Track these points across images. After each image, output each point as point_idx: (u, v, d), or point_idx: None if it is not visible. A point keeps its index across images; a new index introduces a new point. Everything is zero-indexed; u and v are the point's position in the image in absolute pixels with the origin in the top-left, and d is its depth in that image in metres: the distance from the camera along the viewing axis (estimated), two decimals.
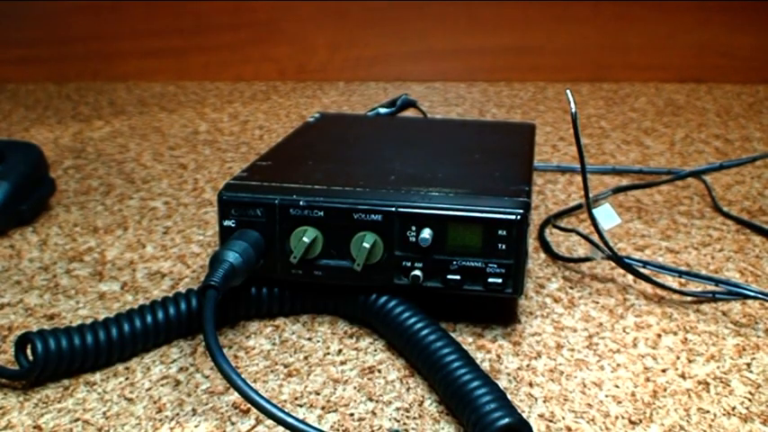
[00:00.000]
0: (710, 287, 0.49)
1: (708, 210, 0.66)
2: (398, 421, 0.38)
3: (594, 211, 0.48)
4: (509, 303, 0.49)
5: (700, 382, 0.41)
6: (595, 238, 0.50)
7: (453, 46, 1.19)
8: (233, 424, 0.38)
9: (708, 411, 0.39)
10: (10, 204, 0.60)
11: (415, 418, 0.38)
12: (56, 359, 0.40)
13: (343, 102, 1.06)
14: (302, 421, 0.33)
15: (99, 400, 0.39)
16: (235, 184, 0.46)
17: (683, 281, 0.51)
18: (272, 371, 0.42)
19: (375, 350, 0.44)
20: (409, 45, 1.19)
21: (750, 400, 0.40)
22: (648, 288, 0.51)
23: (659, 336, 0.46)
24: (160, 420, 0.38)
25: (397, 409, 0.39)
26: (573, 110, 0.45)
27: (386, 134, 0.59)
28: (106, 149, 0.84)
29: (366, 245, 0.43)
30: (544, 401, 0.39)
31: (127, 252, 0.57)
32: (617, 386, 0.41)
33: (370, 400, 0.40)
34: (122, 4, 1.17)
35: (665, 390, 0.40)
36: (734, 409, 0.39)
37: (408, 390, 0.40)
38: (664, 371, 0.42)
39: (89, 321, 0.45)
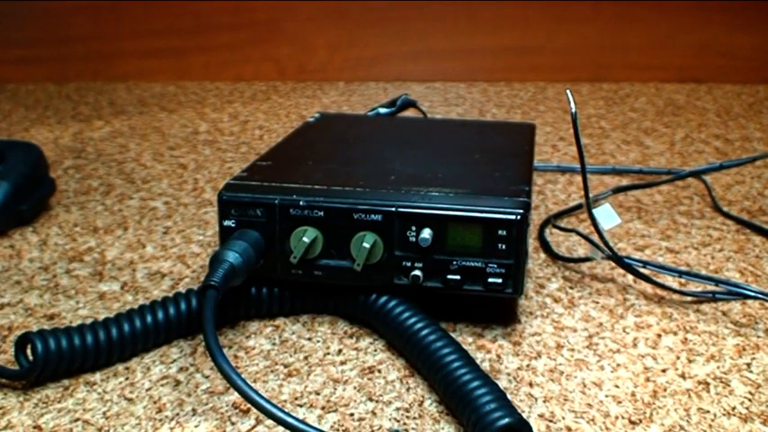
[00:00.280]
0: (710, 287, 0.49)
1: (708, 210, 0.66)
2: (398, 421, 0.38)
3: (594, 211, 0.48)
4: (509, 303, 0.49)
5: (700, 382, 0.41)
6: (595, 238, 0.50)
7: (453, 46, 1.19)
8: (233, 424, 0.38)
9: (708, 411, 0.39)
10: (10, 204, 0.60)
11: (415, 418, 0.38)
12: (56, 359, 0.40)
13: (343, 102, 1.06)
14: (302, 421, 0.33)
15: (99, 400, 0.39)
16: (235, 184, 0.46)
17: (683, 281, 0.51)
18: (272, 371, 0.42)
19: (375, 350, 0.44)
20: (409, 45, 1.20)
21: (750, 400, 0.40)
22: (648, 288, 0.51)
23: (659, 336, 0.46)
24: (160, 420, 0.38)
25: (397, 409, 0.39)
26: (573, 110, 0.45)
27: (386, 134, 0.59)
28: (106, 149, 0.84)
29: (366, 245, 0.43)
30: (544, 401, 0.39)
31: (127, 252, 0.57)
32: (617, 386, 0.41)
33: (370, 400, 0.40)
34: (122, 4, 1.17)
35: (665, 390, 0.40)
36: (734, 409, 0.39)
37: (408, 390, 0.40)
38: (664, 371, 0.42)
39: (89, 321, 0.45)
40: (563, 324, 0.47)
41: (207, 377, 0.41)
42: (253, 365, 0.43)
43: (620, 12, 1.17)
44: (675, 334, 0.46)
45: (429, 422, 0.38)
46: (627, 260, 0.49)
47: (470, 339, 0.45)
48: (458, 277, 0.43)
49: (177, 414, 0.38)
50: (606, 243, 0.48)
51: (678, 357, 0.43)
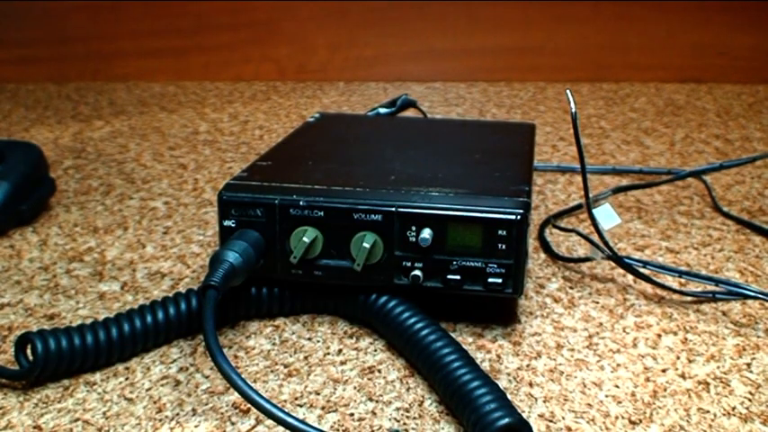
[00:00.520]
0: (710, 287, 0.49)
1: (708, 210, 0.66)
2: (398, 421, 0.38)
3: (594, 211, 0.48)
4: (509, 303, 0.49)
5: (700, 382, 0.41)
6: (595, 238, 0.50)
7: (453, 46, 1.19)
8: (233, 424, 0.38)
9: (708, 411, 0.39)
10: (10, 204, 0.60)
11: (415, 418, 0.38)
12: (56, 359, 0.40)
13: (343, 102, 1.06)
14: (302, 421, 0.33)
15: (99, 400, 0.39)
16: (235, 184, 0.46)
17: (683, 281, 0.51)
18: (272, 371, 0.42)
19: (375, 350, 0.44)
20: (409, 45, 1.20)
21: (750, 400, 0.40)
22: (648, 288, 0.51)
23: (659, 336, 0.46)
24: (160, 420, 0.38)
25: (397, 409, 0.39)
26: (573, 110, 0.45)
27: (386, 134, 0.59)
28: (106, 149, 0.84)
29: (366, 245, 0.43)
30: (544, 401, 0.39)
31: (127, 252, 0.57)
32: (617, 386, 0.41)
33: (370, 400, 0.40)
34: (122, 4, 1.17)
35: (665, 390, 0.40)
36: (734, 409, 0.39)
37: (408, 390, 0.40)
38: (664, 371, 0.42)
39: (89, 321, 0.45)
40: (563, 324, 0.47)
41: (207, 377, 0.41)
42: (253, 365, 0.43)
43: (620, 12, 1.17)
44: (675, 334, 0.46)
45: (429, 422, 0.38)
46: (627, 260, 0.49)
47: (470, 339, 0.45)
48: (458, 277, 0.43)
49: (177, 414, 0.38)
50: (606, 243, 0.48)
51: (678, 357, 0.43)
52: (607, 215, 0.49)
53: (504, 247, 0.43)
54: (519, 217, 0.42)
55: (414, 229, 0.43)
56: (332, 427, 0.37)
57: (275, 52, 1.20)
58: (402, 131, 0.60)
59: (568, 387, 0.41)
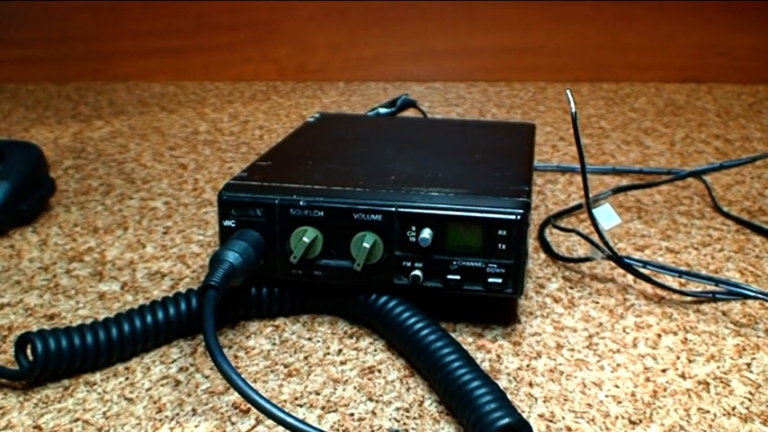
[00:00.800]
0: (710, 287, 0.49)
1: (708, 210, 0.66)
2: (398, 421, 0.38)
3: (594, 211, 0.48)
4: (509, 303, 0.49)
5: (700, 382, 0.41)
6: (595, 238, 0.50)
7: (453, 46, 1.19)
8: (233, 424, 0.38)
9: (708, 411, 0.39)
10: (10, 204, 0.60)
11: (415, 418, 0.38)
12: (56, 359, 0.40)
13: (343, 102, 1.06)
14: (302, 421, 0.33)
15: (99, 400, 0.39)
16: (235, 184, 0.46)
17: (683, 281, 0.51)
18: (272, 371, 0.42)
19: (375, 350, 0.44)
20: (409, 45, 1.19)
21: (750, 400, 0.40)
22: (648, 288, 0.51)
23: (659, 336, 0.46)
24: (160, 420, 0.38)
25: (397, 409, 0.39)
26: (573, 110, 0.45)
27: (386, 134, 0.59)
28: (106, 149, 0.84)
29: (366, 245, 0.43)
30: (544, 401, 0.39)
31: (127, 252, 0.57)
32: (617, 386, 0.41)
33: (370, 400, 0.40)
34: (122, 4, 1.17)
35: (665, 390, 0.40)
36: (734, 409, 0.39)
37: (408, 390, 0.40)
38: (664, 371, 0.42)
39: (89, 321, 0.45)
40: (563, 324, 0.47)
41: (207, 377, 0.41)
42: (253, 365, 0.43)
43: (620, 12, 1.17)
44: (675, 334, 0.46)
45: (429, 422, 0.38)
46: (627, 260, 0.49)
47: (470, 339, 0.45)
48: (458, 277, 0.43)
49: (177, 414, 0.38)
50: (606, 243, 0.48)
51: (678, 357, 0.43)
52: (607, 215, 0.49)
53: (504, 247, 0.43)
54: (519, 217, 0.42)
55: (414, 229, 0.43)
56: (332, 427, 0.37)
57: (275, 52, 1.20)
58: (402, 131, 0.60)
59: (568, 387, 0.41)
